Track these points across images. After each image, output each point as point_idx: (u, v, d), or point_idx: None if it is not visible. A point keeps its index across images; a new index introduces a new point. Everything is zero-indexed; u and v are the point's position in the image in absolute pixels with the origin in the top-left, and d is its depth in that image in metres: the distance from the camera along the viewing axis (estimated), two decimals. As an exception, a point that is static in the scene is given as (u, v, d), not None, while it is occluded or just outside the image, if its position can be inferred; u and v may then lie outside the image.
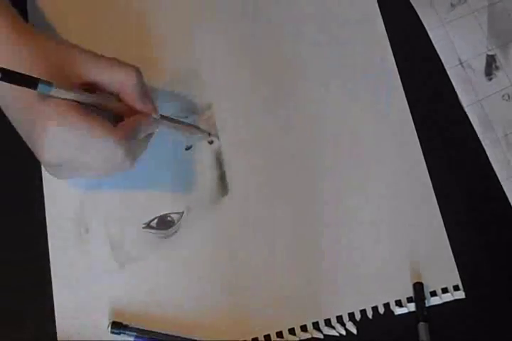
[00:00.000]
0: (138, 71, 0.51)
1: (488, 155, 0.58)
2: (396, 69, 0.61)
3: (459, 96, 0.59)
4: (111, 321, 0.53)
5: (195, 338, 0.53)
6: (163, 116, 0.54)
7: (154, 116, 0.52)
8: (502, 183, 0.57)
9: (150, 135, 0.53)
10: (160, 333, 0.53)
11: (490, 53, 0.60)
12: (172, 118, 0.57)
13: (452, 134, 0.59)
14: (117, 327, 0.53)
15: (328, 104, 0.60)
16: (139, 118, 0.51)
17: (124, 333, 0.53)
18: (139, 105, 0.51)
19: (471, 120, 0.59)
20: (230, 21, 0.62)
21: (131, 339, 0.53)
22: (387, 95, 0.60)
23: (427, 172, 0.58)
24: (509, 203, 0.57)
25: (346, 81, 0.61)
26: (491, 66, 0.59)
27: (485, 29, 0.60)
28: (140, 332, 0.53)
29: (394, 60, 0.61)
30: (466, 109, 0.59)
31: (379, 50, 0.61)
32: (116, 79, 0.50)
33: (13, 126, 0.50)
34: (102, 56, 0.50)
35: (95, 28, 0.61)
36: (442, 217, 0.57)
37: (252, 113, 0.60)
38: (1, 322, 0.54)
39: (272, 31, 0.62)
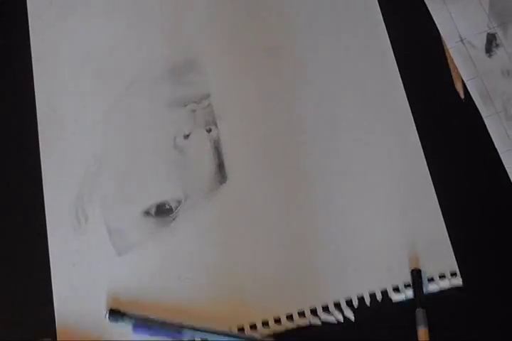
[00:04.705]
0: None
1: (488, 128, 0.57)
2: (394, 60, 0.60)
3: (460, 71, 0.59)
4: (109, 309, 0.54)
5: (194, 325, 0.53)
6: None
7: None
8: (501, 156, 0.56)
9: None
10: (158, 320, 0.53)
11: (490, 32, 0.59)
12: None
13: (451, 124, 0.59)
14: (115, 314, 0.53)
15: (326, 95, 0.59)
16: None
17: (122, 321, 0.53)
18: None
19: (471, 94, 0.58)
20: (228, 12, 0.62)
21: (130, 326, 0.53)
22: (386, 87, 0.60)
23: (425, 160, 0.58)
24: (509, 185, 0.56)
25: (343, 68, 0.60)
26: (491, 44, 0.59)
27: (486, 8, 0.60)
28: (138, 320, 0.53)
29: (392, 55, 0.60)
30: (466, 83, 0.59)
31: (377, 40, 0.61)
32: None
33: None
34: None
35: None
36: (440, 203, 0.56)
37: (250, 101, 0.60)
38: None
39: (270, 24, 0.62)
